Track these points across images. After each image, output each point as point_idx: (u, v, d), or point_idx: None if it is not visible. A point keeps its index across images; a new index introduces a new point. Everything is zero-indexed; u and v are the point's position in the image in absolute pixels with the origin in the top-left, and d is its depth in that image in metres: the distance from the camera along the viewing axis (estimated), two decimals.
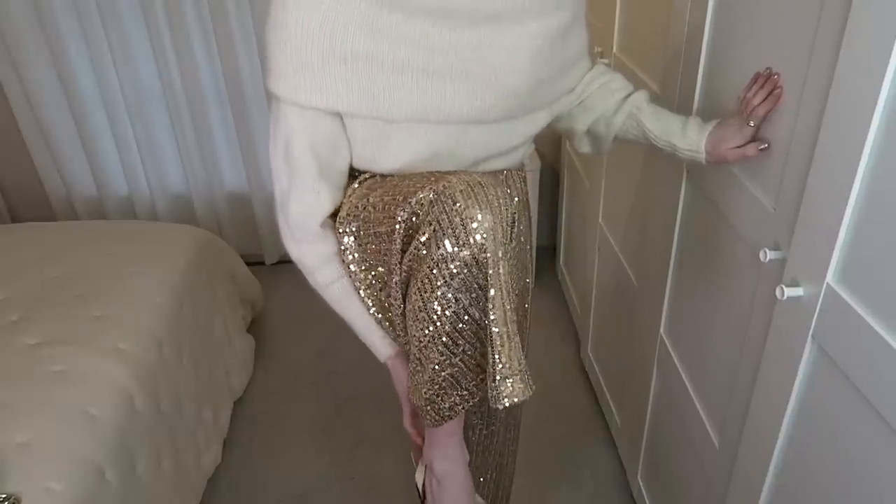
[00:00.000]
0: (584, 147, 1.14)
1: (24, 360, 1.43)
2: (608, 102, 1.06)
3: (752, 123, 0.92)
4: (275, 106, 0.90)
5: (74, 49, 2.40)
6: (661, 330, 1.41)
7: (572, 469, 1.87)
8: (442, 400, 0.90)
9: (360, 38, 0.81)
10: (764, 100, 0.89)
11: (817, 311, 0.78)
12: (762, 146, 0.92)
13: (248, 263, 2.40)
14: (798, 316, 0.83)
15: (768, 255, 0.88)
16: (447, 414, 0.91)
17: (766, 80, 0.89)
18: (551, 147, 2.69)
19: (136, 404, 1.43)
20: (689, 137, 1.00)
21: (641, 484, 1.64)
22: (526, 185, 1.13)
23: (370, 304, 1.00)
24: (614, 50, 1.68)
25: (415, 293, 0.85)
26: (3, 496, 1.11)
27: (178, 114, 2.50)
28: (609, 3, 1.67)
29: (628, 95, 1.06)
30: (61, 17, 2.33)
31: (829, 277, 0.76)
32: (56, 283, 1.71)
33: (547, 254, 2.85)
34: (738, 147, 0.94)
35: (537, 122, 1.00)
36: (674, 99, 1.23)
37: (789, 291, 0.81)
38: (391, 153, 0.92)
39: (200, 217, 2.72)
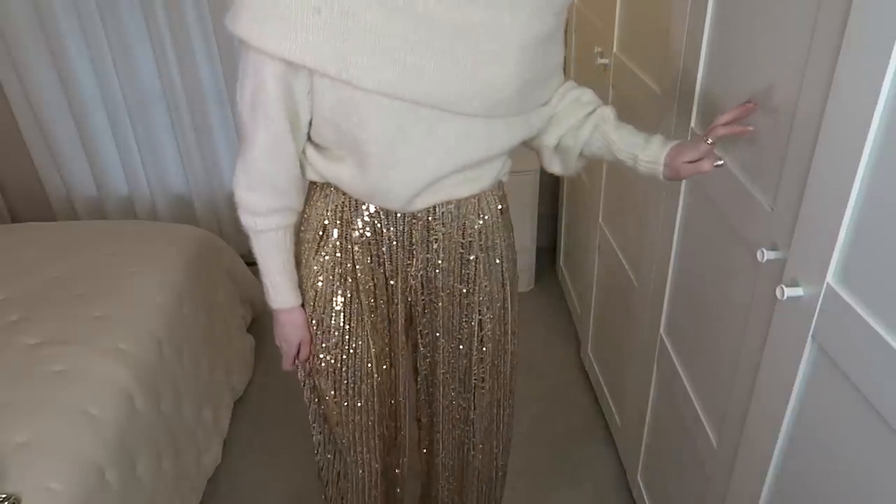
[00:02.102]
0: (555, 165, 1.13)
1: (24, 360, 1.43)
2: (578, 115, 1.06)
3: (709, 140, 0.92)
4: (245, 53, 0.86)
5: (74, 49, 2.39)
6: (661, 330, 1.41)
7: (572, 469, 1.86)
8: None
9: None
10: (729, 124, 0.90)
11: (817, 311, 0.78)
12: (718, 162, 0.93)
13: (248, 263, 2.40)
14: (798, 316, 0.83)
15: (766, 255, 0.88)
16: None
17: (742, 110, 0.90)
18: None
19: (136, 404, 1.43)
20: (650, 149, 1.01)
21: (641, 484, 1.64)
22: (505, 202, 1.13)
23: None
24: (614, 50, 1.68)
25: None
26: (3, 496, 1.11)
27: (178, 114, 2.50)
28: (609, 3, 1.67)
29: (596, 109, 1.06)
30: (61, 17, 2.33)
31: (829, 277, 0.76)
32: (56, 283, 1.71)
33: (547, 254, 2.85)
34: (694, 161, 0.95)
35: (513, 130, 0.99)
36: (674, 99, 1.23)
37: (789, 291, 0.81)
38: (359, 127, 0.89)
39: (200, 217, 2.71)
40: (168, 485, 1.50)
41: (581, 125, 1.05)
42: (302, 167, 1.01)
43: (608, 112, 1.05)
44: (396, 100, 0.85)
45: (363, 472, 1.24)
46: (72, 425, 1.28)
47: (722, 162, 0.92)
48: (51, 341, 1.49)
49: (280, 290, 1.08)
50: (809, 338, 0.81)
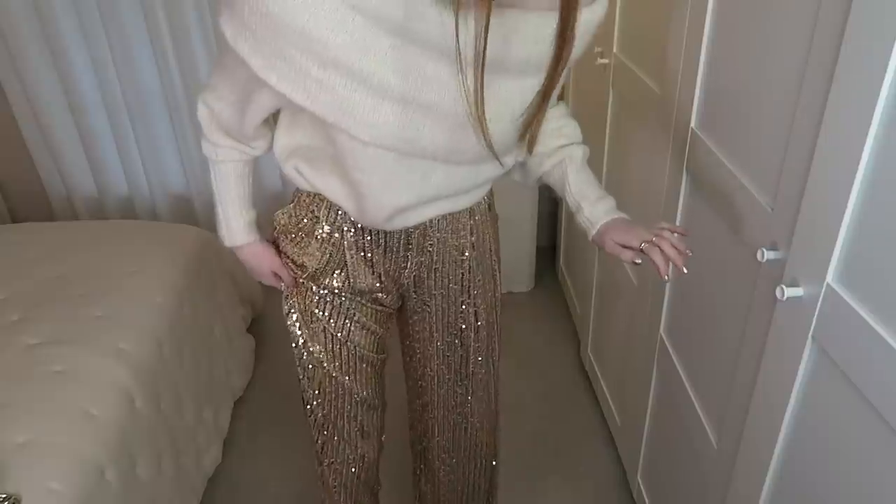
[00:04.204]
0: (515, 175, 1.15)
1: (24, 360, 1.43)
2: (552, 145, 1.07)
3: (643, 247, 0.94)
4: (232, 53, 0.78)
5: (74, 49, 2.39)
6: (661, 330, 1.41)
7: (572, 469, 1.87)
8: None
9: (347, 50, 0.74)
10: (666, 252, 0.92)
11: (817, 311, 0.78)
12: (637, 260, 0.96)
13: None
14: (798, 316, 0.83)
15: (766, 255, 0.88)
16: None
17: (679, 255, 0.92)
18: None
19: (136, 404, 1.43)
20: (596, 210, 1.03)
21: (641, 484, 1.64)
22: (492, 197, 1.14)
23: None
24: (614, 50, 1.68)
25: None
26: (3, 496, 1.11)
27: (178, 114, 2.50)
28: (609, 4, 1.67)
29: (569, 145, 1.07)
30: (61, 17, 2.33)
31: (830, 277, 0.76)
32: (56, 283, 1.71)
33: (547, 254, 2.85)
34: (619, 244, 0.98)
35: (502, 166, 1.00)
36: (674, 99, 1.23)
37: (789, 291, 0.81)
38: (353, 169, 0.90)
39: (200, 217, 2.71)
40: (168, 485, 1.50)
41: (550, 155, 1.06)
42: (293, 179, 1.02)
43: (578, 153, 1.06)
44: (392, 151, 0.85)
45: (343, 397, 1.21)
46: (72, 425, 1.28)
47: (640, 262, 0.97)
48: (51, 341, 1.49)
49: (234, 225, 1.09)
50: (809, 338, 0.81)
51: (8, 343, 1.48)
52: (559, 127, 1.07)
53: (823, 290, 0.77)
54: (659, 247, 0.93)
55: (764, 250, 0.88)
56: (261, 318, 2.49)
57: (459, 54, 0.76)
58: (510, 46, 0.81)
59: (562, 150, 1.06)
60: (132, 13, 2.33)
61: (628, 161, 1.64)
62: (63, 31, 2.35)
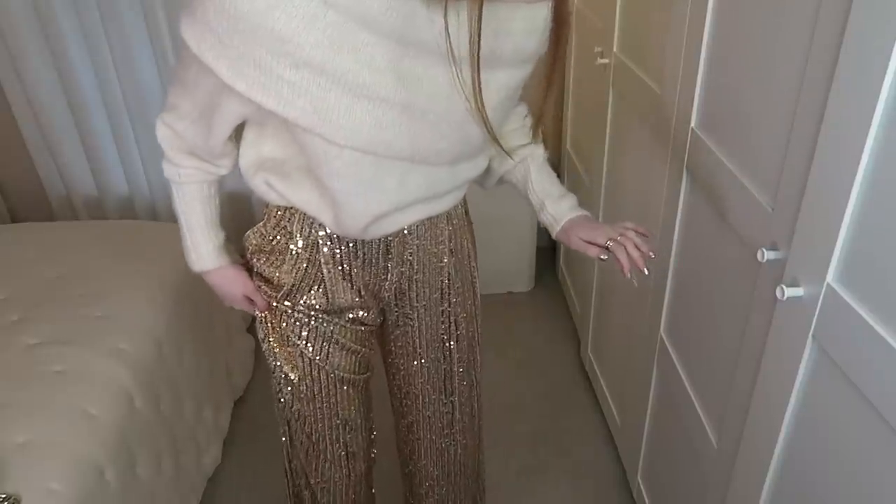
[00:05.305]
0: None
1: (24, 360, 1.43)
2: (513, 143, 1.07)
3: (609, 245, 0.97)
4: (195, 63, 0.76)
5: (74, 49, 2.39)
6: (661, 330, 1.41)
7: (572, 469, 1.87)
8: None
9: (321, 48, 0.72)
10: (629, 253, 0.95)
11: (818, 311, 0.78)
12: (603, 256, 0.99)
13: None
14: (798, 316, 0.83)
15: (766, 255, 0.88)
16: None
17: (641, 256, 0.96)
18: (551, 148, 2.69)
19: (136, 404, 1.43)
20: (560, 207, 1.05)
21: (641, 484, 1.64)
22: (466, 203, 1.13)
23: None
24: (614, 50, 1.68)
25: None
26: (3, 496, 1.11)
27: None
28: (609, 3, 1.67)
29: (530, 143, 1.07)
30: (61, 17, 2.33)
31: (830, 277, 0.76)
32: (56, 283, 1.71)
33: (547, 254, 2.86)
34: (585, 241, 1.00)
35: (478, 164, 1.00)
36: (674, 99, 1.23)
37: (790, 291, 0.81)
38: (328, 177, 0.87)
39: None
40: (168, 485, 1.50)
41: (512, 153, 1.07)
42: (263, 195, 0.99)
43: (539, 151, 1.08)
44: (369, 154, 0.83)
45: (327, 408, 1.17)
46: (72, 425, 1.28)
47: (606, 258, 0.99)
48: (51, 341, 1.49)
49: (203, 250, 1.05)
50: (809, 338, 0.81)
51: (8, 343, 1.48)
52: (521, 125, 1.07)
53: (824, 289, 0.77)
54: (624, 246, 0.96)
55: (764, 250, 0.88)
56: None
57: (451, 50, 0.76)
58: (503, 39, 0.81)
59: (524, 148, 1.07)
60: (132, 13, 2.33)
61: (628, 161, 1.64)
62: (63, 31, 2.34)
